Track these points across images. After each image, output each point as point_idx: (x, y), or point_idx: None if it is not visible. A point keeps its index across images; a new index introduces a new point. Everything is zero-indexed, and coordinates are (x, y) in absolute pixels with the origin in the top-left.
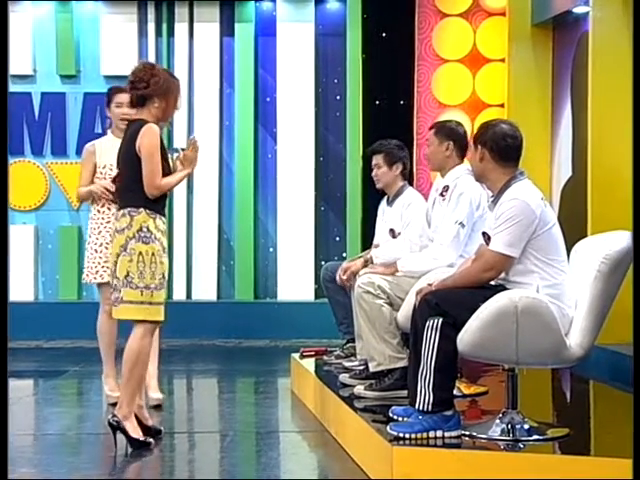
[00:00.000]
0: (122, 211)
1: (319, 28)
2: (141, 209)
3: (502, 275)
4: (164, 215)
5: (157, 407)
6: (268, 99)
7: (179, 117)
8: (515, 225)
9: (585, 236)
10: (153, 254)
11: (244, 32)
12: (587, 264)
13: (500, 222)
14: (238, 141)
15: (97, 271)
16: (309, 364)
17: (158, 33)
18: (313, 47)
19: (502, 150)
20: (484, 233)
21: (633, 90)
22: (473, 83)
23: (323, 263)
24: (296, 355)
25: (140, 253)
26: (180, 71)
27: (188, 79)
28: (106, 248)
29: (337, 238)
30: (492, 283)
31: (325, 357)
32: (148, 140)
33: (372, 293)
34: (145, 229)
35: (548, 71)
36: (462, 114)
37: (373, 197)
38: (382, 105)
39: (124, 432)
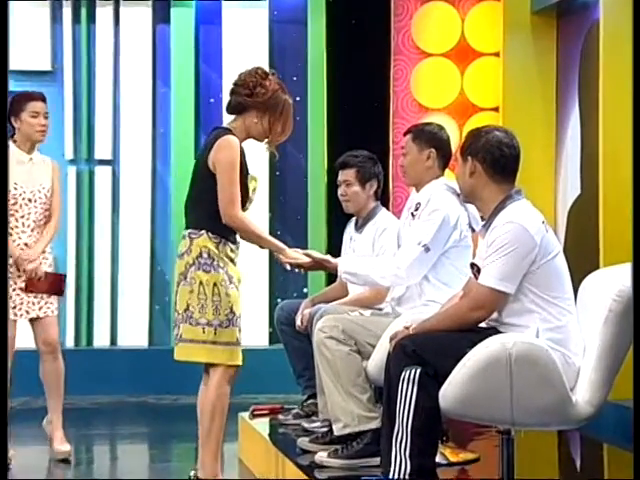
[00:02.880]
0: (183, 232)
1: (274, 14)
2: (202, 231)
3: (494, 315)
4: (234, 240)
5: (64, 461)
6: (212, 100)
7: (102, 123)
8: (510, 254)
9: (596, 268)
10: (215, 284)
11: (182, 18)
12: (597, 303)
13: (492, 251)
14: (175, 152)
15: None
16: (261, 425)
17: (76, 19)
18: (267, 37)
19: (497, 162)
20: (473, 264)
21: (633, 98)
22: (461, 82)
23: (279, 301)
24: (245, 414)
25: (201, 283)
26: (103, 66)
27: (113, 76)
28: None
29: (297, 270)
30: (482, 325)
31: (281, 417)
32: (226, 155)
33: (336, 338)
34: (206, 255)
35: (552, 68)
36: (448, 119)
37: (340, 220)
38: (351, 108)
39: None
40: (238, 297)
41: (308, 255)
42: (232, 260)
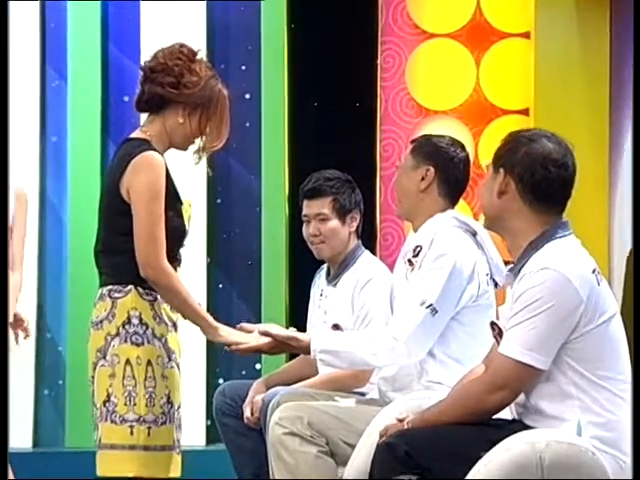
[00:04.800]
0: (99, 291)
1: None
2: (129, 286)
3: (520, 399)
4: None
5: None
6: (126, 98)
7: None
8: (544, 314)
9: None
10: (149, 363)
11: None
12: None
13: (519, 308)
14: (74, 170)
15: None
16: None
17: None
18: (204, 11)
19: (538, 185)
20: (493, 324)
21: (634, 99)
22: (476, 73)
23: (221, 382)
24: None
25: (128, 362)
26: None
27: None
28: None
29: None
30: (502, 417)
31: None
32: (145, 179)
33: (300, 435)
34: (136, 320)
35: (602, 55)
36: (458, 125)
37: (307, 267)
38: (322, 110)
39: None
40: (179, 380)
41: (267, 334)
42: (174, 324)
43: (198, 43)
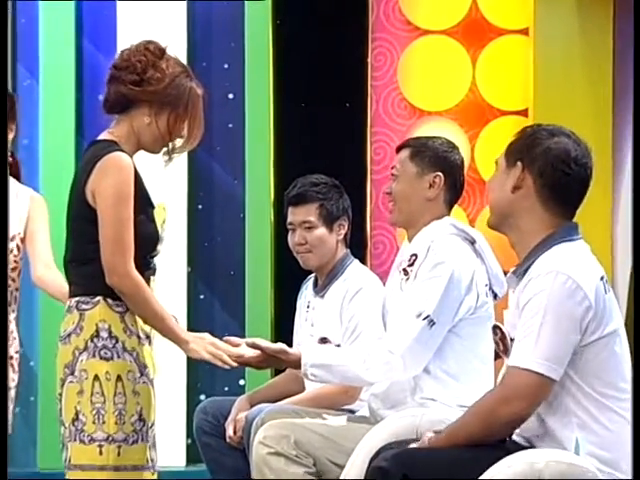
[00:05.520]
0: (68, 303)
1: None
2: (98, 297)
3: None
4: None
5: None
6: (101, 97)
7: None
8: (554, 322)
9: None
10: (119, 378)
11: None
12: None
13: (529, 315)
14: (46, 173)
15: None
16: None
17: None
18: (185, 6)
19: (558, 183)
20: (496, 328)
21: (634, 98)
22: (472, 72)
23: (202, 399)
24: None
25: (96, 377)
26: None
27: None
28: None
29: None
30: (515, 438)
31: None
32: (112, 182)
33: (285, 455)
34: (105, 333)
35: (606, 53)
36: (453, 127)
37: (293, 276)
38: (310, 111)
39: None
40: (152, 397)
41: (255, 346)
42: (148, 336)
43: (178, 40)
